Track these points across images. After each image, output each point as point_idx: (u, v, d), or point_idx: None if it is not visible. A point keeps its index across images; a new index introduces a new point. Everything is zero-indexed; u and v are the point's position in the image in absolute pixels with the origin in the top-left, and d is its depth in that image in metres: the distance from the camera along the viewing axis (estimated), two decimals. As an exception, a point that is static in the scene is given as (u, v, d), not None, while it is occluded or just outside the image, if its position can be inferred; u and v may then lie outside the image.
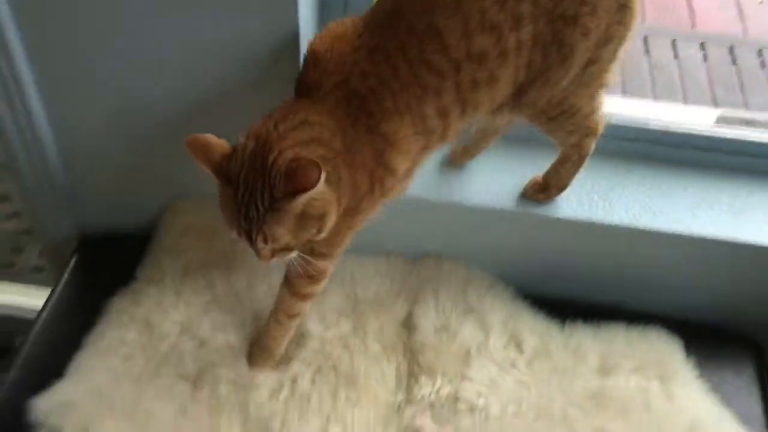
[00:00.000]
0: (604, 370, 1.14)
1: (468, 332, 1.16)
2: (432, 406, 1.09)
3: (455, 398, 1.09)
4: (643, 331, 1.19)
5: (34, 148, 1.21)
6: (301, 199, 0.81)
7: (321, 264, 0.99)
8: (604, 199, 1.20)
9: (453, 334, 1.16)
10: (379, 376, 1.12)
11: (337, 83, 0.89)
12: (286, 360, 1.12)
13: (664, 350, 1.17)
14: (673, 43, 1.92)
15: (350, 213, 0.92)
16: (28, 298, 1.74)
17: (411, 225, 1.23)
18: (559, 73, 0.95)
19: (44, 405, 0.99)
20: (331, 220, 0.87)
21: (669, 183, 1.23)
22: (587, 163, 1.14)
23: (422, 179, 1.20)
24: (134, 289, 1.18)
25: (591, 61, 0.96)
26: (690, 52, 1.90)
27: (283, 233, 0.84)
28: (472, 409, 1.08)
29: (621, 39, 0.95)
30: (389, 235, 1.23)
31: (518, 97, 0.96)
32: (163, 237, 1.23)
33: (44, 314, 1.18)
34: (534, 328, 1.19)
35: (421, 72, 0.89)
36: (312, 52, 0.91)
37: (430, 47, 0.88)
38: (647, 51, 1.89)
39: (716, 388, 1.15)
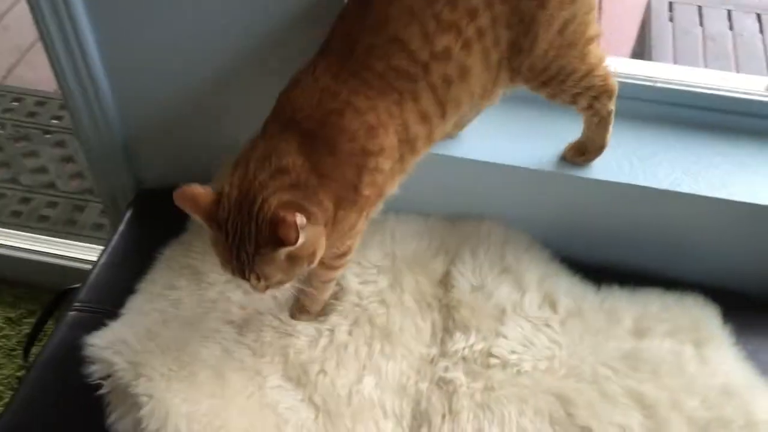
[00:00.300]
0: (638, 332, 1.15)
1: (504, 292, 1.18)
2: (465, 360, 1.12)
3: (488, 354, 1.12)
4: (680, 297, 1.19)
5: (97, 108, 1.28)
6: (285, 250, 0.87)
7: (343, 247, 1.04)
8: (645, 164, 1.20)
9: (489, 293, 1.18)
10: (414, 331, 1.16)
11: (306, 115, 0.93)
12: (325, 313, 1.16)
13: (700, 316, 1.17)
14: (729, 13, 1.88)
15: (346, 219, 0.96)
16: (88, 253, 1.83)
17: (451, 185, 1.26)
18: (527, 42, 0.97)
19: (99, 342, 1.06)
20: (321, 251, 0.92)
21: (714, 149, 1.22)
22: (630, 126, 1.15)
23: (465, 140, 1.23)
24: (185, 240, 1.24)
25: (567, 22, 0.98)
26: (747, 23, 1.86)
27: (274, 273, 0.90)
28: (504, 364, 1.11)
29: None
30: (430, 195, 1.26)
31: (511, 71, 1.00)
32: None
33: (101, 260, 1.25)
34: (569, 289, 1.20)
35: (392, 78, 0.93)
36: (295, 80, 0.96)
37: (395, 56, 0.92)
38: (701, 23, 1.86)
39: (753, 356, 1.15)
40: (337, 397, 1.07)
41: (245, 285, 0.94)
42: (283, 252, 0.87)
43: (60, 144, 2.31)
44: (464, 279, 1.20)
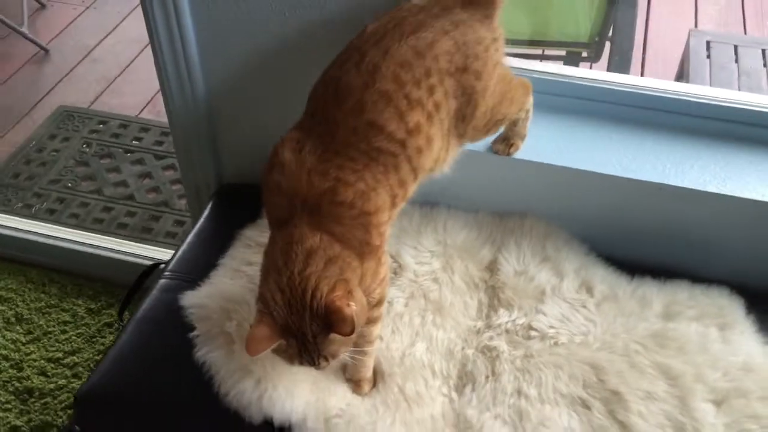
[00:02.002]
0: (667, 316, 1.26)
1: (544, 276, 1.32)
2: (507, 332, 1.25)
3: (529, 327, 1.25)
4: (707, 288, 1.30)
5: (192, 104, 1.47)
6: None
7: (376, 296, 1.12)
8: (678, 167, 1.33)
9: (530, 277, 1.32)
10: (463, 307, 1.29)
11: (302, 200, 1.02)
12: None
13: (725, 304, 1.28)
14: (763, 52, 2.02)
15: (369, 269, 1.07)
16: (162, 255, 2.01)
17: (498, 184, 1.41)
18: (470, 109, 1.12)
19: (193, 295, 1.23)
20: (365, 308, 1.04)
21: (743, 157, 1.35)
22: (663, 136, 1.30)
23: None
24: (261, 223, 1.40)
25: (496, 84, 1.14)
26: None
27: (338, 348, 1.01)
28: (543, 337, 1.23)
29: (500, 54, 1.14)
30: (478, 193, 1.42)
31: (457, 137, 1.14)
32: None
33: (188, 239, 1.43)
34: (604, 277, 1.33)
35: (375, 155, 1.04)
36: (279, 163, 1.05)
37: (375, 138, 1.03)
38: (736, 60, 1.99)
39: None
40: (390, 359, 1.20)
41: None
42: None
43: (139, 161, 2.54)
44: (509, 265, 1.34)
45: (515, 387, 1.17)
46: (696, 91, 1.41)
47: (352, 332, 0.96)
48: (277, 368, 1.14)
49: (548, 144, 1.37)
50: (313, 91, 1.10)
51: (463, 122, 1.13)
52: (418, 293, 1.29)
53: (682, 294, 1.29)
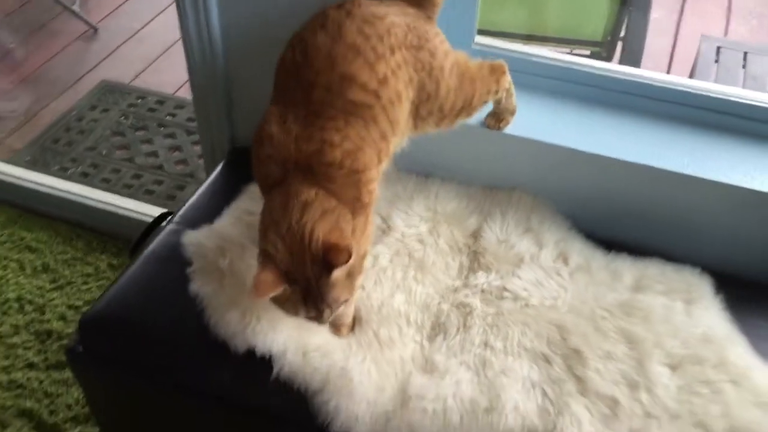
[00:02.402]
0: (636, 288, 1.33)
1: (524, 245, 1.39)
2: (483, 291, 1.32)
3: (503, 288, 1.32)
4: (679, 267, 1.36)
5: (210, 67, 1.59)
6: (345, 269, 1.04)
7: (361, 251, 1.17)
8: (660, 150, 1.39)
9: (511, 245, 1.39)
10: (444, 267, 1.37)
11: (294, 163, 1.09)
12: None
13: (694, 282, 1.34)
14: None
15: (359, 225, 1.15)
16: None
17: (489, 158, 1.49)
18: (432, 86, 1.19)
19: (192, 234, 1.35)
20: (363, 259, 1.13)
21: (722, 145, 1.41)
22: (648, 122, 1.37)
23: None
24: (266, 180, 1.51)
25: (453, 63, 1.22)
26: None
27: (340, 293, 1.07)
28: (515, 298, 1.31)
29: (446, 46, 1.24)
30: (470, 167, 1.50)
31: (416, 119, 1.22)
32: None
33: (198, 192, 1.54)
34: (581, 250, 1.40)
35: (352, 109, 1.10)
36: (267, 137, 1.12)
37: (349, 90, 1.10)
38: (744, 66, 2.04)
39: (741, 330, 1.29)
40: (369, 307, 1.29)
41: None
42: (344, 271, 1.05)
43: (171, 135, 2.68)
44: (492, 233, 1.41)
45: (483, 339, 1.24)
46: (680, 82, 1.47)
47: (348, 259, 1.01)
48: (261, 302, 1.23)
49: (541, 123, 1.45)
50: (281, 64, 1.18)
51: (428, 102, 1.21)
52: (404, 251, 1.38)
53: (653, 269, 1.36)
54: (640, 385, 1.17)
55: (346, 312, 1.25)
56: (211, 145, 1.71)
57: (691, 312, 1.28)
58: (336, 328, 1.26)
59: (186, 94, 2.90)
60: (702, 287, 1.33)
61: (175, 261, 1.34)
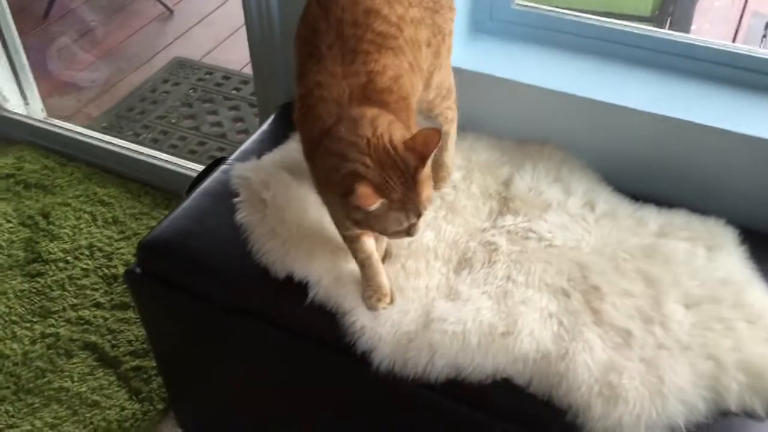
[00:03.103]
0: (660, 234, 1.36)
1: (553, 193, 1.44)
2: (509, 232, 1.39)
3: (529, 230, 1.38)
4: (704, 217, 1.40)
5: (267, 26, 1.71)
6: (429, 162, 1.07)
7: None
8: (690, 104, 1.43)
9: (540, 192, 1.45)
10: (474, 210, 1.44)
11: (350, 98, 1.12)
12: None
13: (719, 232, 1.37)
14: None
15: None
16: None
17: (522, 113, 1.55)
18: (442, 50, 1.25)
19: (240, 166, 1.47)
20: None
21: (748, 100, 1.43)
22: (680, 79, 1.41)
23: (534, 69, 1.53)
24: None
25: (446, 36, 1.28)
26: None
27: (429, 192, 1.09)
28: (540, 238, 1.37)
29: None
30: (505, 121, 1.57)
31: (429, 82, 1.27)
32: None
33: (251, 138, 1.66)
34: (608, 199, 1.44)
35: (381, 40, 1.15)
36: (315, 84, 1.15)
37: (375, 22, 1.15)
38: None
39: (765, 277, 1.32)
40: (399, 243, 1.36)
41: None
42: (428, 168, 1.07)
43: (235, 108, 2.83)
44: (523, 182, 1.47)
45: (506, 273, 1.31)
46: (719, 42, 1.51)
47: (439, 137, 1.05)
48: (300, 232, 1.34)
49: (575, 79, 1.51)
50: (306, 18, 1.22)
51: (435, 72, 1.27)
52: (436, 195, 1.45)
53: (679, 219, 1.39)
54: (655, 320, 1.22)
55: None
56: (266, 100, 1.83)
57: (713, 257, 1.32)
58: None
59: (251, 71, 3.05)
60: (726, 236, 1.36)
61: (225, 195, 1.46)
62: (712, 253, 1.33)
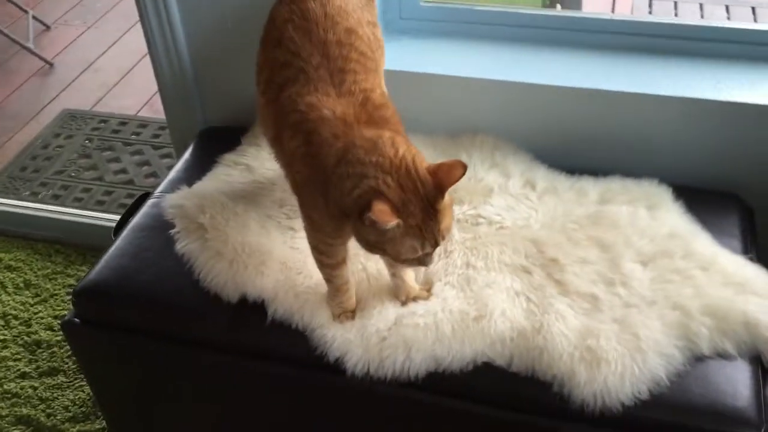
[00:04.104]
0: (601, 201, 1.40)
1: (492, 177, 1.46)
2: (458, 221, 1.38)
3: (477, 216, 1.38)
4: (638, 180, 1.44)
5: (174, 55, 1.65)
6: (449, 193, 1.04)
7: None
8: (605, 76, 1.48)
9: (480, 179, 1.46)
10: (420, 206, 1.43)
11: (355, 119, 1.10)
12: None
13: (654, 191, 1.41)
14: (701, 6, 2.19)
15: None
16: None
17: (451, 107, 1.56)
18: (381, 63, 1.26)
19: (172, 197, 1.39)
20: None
21: (658, 65, 1.50)
22: (591, 53, 1.47)
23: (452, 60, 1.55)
24: (239, 149, 1.56)
25: None
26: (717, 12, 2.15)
27: (449, 220, 1.06)
28: (490, 222, 1.37)
29: None
30: (434, 117, 1.57)
31: None
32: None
33: (175, 167, 1.58)
34: (546, 176, 1.47)
35: (362, 60, 1.16)
36: (308, 106, 1.12)
37: (356, 41, 1.18)
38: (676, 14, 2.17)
39: (705, 227, 1.37)
40: (354, 245, 1.33)
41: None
42: (450, 196, 1.05)
43: (138, 152, 2.71)
44: (461, 171, 1.48)
45: (464, 261, 1.30)
46: (615, 15, 1.58)
47: (464, 170, 1.01)
48: (246, 250, 1.28)
49: (488, 64, 1.54)
50: (279, 47, 1.18)
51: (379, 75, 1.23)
52: (379, 196, 1.43)
53: (615, 184, 1.43)
54: (616, 281, 1.24)
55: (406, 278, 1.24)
56: (180, 130, 1.77)
57: (655, 216, 1.36)
58: (426, 287, 1.27)
59: (148, 113, 2.95)
60: (662, 194, 1.41)
61: (159, 228, 1.38)
62: (652, 211, 1.37)
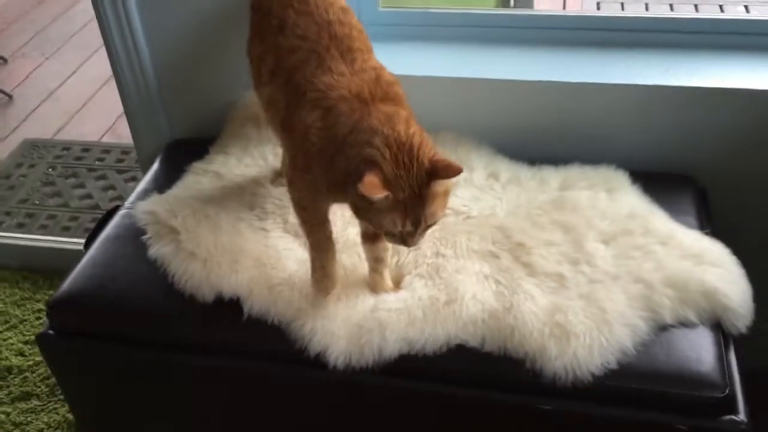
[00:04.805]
0: (563, 188, 1.45)
1: (456, 172, 1.50)
2: (426, 214, 1.42)
3: (444, 207, 1.42)
4: (596, 166, 1.50)
5: (138, 70, 1.67)
6: (446, 183, 1.08)
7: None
8: (560, 69, 1.55)
9: (444, 174, 1.50)
10: (387, 202, 1.46)
11: (371, 95, 1.14)
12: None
13: (612, 176, 1.47)
14: (646, 6, 2.28)
15: None
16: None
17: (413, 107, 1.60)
18: None
19: (144, 203, 1.40)
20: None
21: (607, 57, 1.57)
22: (546, 49, 1.52)
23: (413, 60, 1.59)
24: (208, 158, 1.58)
25: None
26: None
27: (438, 210, 1.09)
28: (457, 213, 1.41)
29: None
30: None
31: None
32: (230, 123, 1.64)
33: (144, 179, 1.60)
34: (509, 167, 1.51)
35: (362, 37, 1.23)
36: (327, 86, 1.16)
37: (353, 20, 1.25)
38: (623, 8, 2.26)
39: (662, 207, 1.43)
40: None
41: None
42: (443, 186, 1.08)
43: (102, 177, 2.71)
44: (425, 168, 1.52)
45: (434, 251, 1.33)
46: (561, 11, 1.65)
47: (459, 173, 1.05)
48: (219, 249, 1.30)
49: (447, 63, 1.59)
50: (287, 34, 1.22)
51: None
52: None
53: (575, 171, 1.49)
54: (581, 260, 1.29)
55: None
56: (145, 145, 1.78)
57: (614, 198, 1.41)
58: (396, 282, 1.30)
59: (111, 138, 2.95)
60: (620, 178, 1.46)
61: (131, 237, 1.39)
62: (612, 194, 1.42)
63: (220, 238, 1.33)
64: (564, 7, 2.34)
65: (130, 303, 1.31)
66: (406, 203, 1.06)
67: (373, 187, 1.03)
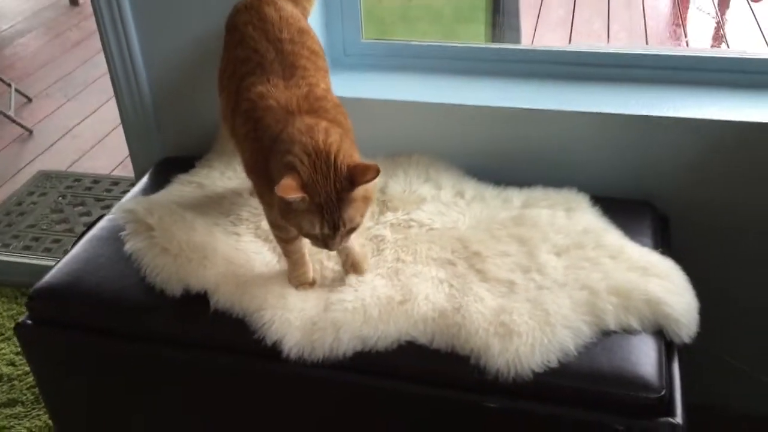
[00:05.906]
0: (524, 206, 1.51)
1: (425, 189, 1.57)
2: (392, 225, 1.49)
3: (410, 220, 1.49)
4: (559, 189, 1.56)
5: (135, 88, 1.79)
6: (362, 190, 1.15)
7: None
8: (526, 97, 1.63)
9: (414, 190, 1.57)
10: (357, 215, 1.54)
11: (297, 107, 1.23)
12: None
13: (573, 197, 1.53)
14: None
15: None
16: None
17: (389, 131, 1.70)
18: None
19: (124, 203, 1.48)
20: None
21: (574, 90, 1.66)
22: (513, 80, 1.63)
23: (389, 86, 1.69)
24: (193, 171, 1.67)
25: None
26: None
27: (355, 215, 1.16)
28: (421, 225, 1.48)
29: None
30: (374, 143, 1.69)
31: None
32: (218, 141, 1.74)
33: (132, 190, 1.69)
34: (475, 187, 1.59)
35: (313, 58, 1.33)
36: (258, 95, 1.26)
37: (308, 39, 1.35)
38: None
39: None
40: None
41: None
42: (361, 192, 1.15)
43: (108, 206, 2.81)
44: (397, 185, 1.59)
45: (395, 257, 1.40)
46: (530, 46, 1.74)
47: (375, 177, 1.12)
48: (190, 246, 1.38)
49: (426, 90, 1.69)
50: (241, 46, 1.34)
51: None
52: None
53: (538, 192, 1.55)
54: (532, 269, 1.34)
55: (355, 249, 1.34)
56: (141, 159, 1.89)
57: (572, 216, 1.47)
58: (354, 267, 1.35)
59: (121, 172, 3.08)
60: (580, 200, 1.52)
61: (112, 238, 1.48)
62: (570, 213, 1.48)
63: (193, 237, 1.40)
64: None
65: (104, 295, 1.38)
66: (323, 207, 1.13)
67: (288, 189, 1.10)
